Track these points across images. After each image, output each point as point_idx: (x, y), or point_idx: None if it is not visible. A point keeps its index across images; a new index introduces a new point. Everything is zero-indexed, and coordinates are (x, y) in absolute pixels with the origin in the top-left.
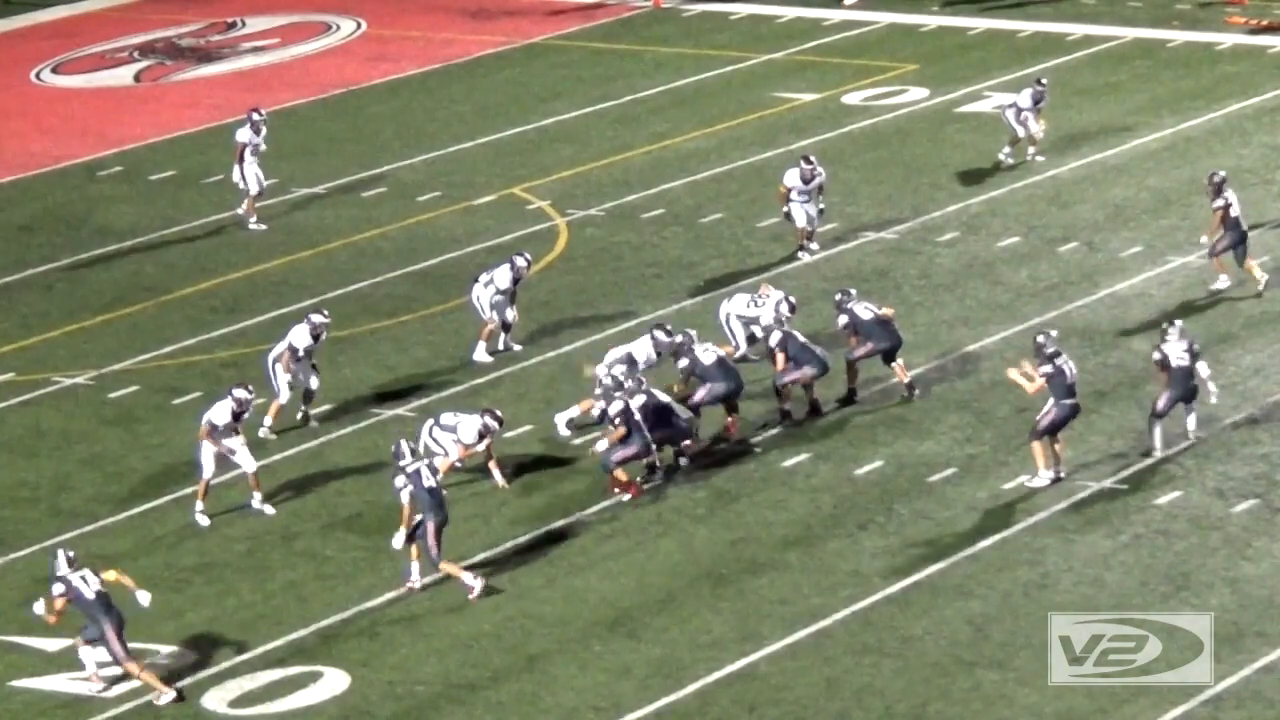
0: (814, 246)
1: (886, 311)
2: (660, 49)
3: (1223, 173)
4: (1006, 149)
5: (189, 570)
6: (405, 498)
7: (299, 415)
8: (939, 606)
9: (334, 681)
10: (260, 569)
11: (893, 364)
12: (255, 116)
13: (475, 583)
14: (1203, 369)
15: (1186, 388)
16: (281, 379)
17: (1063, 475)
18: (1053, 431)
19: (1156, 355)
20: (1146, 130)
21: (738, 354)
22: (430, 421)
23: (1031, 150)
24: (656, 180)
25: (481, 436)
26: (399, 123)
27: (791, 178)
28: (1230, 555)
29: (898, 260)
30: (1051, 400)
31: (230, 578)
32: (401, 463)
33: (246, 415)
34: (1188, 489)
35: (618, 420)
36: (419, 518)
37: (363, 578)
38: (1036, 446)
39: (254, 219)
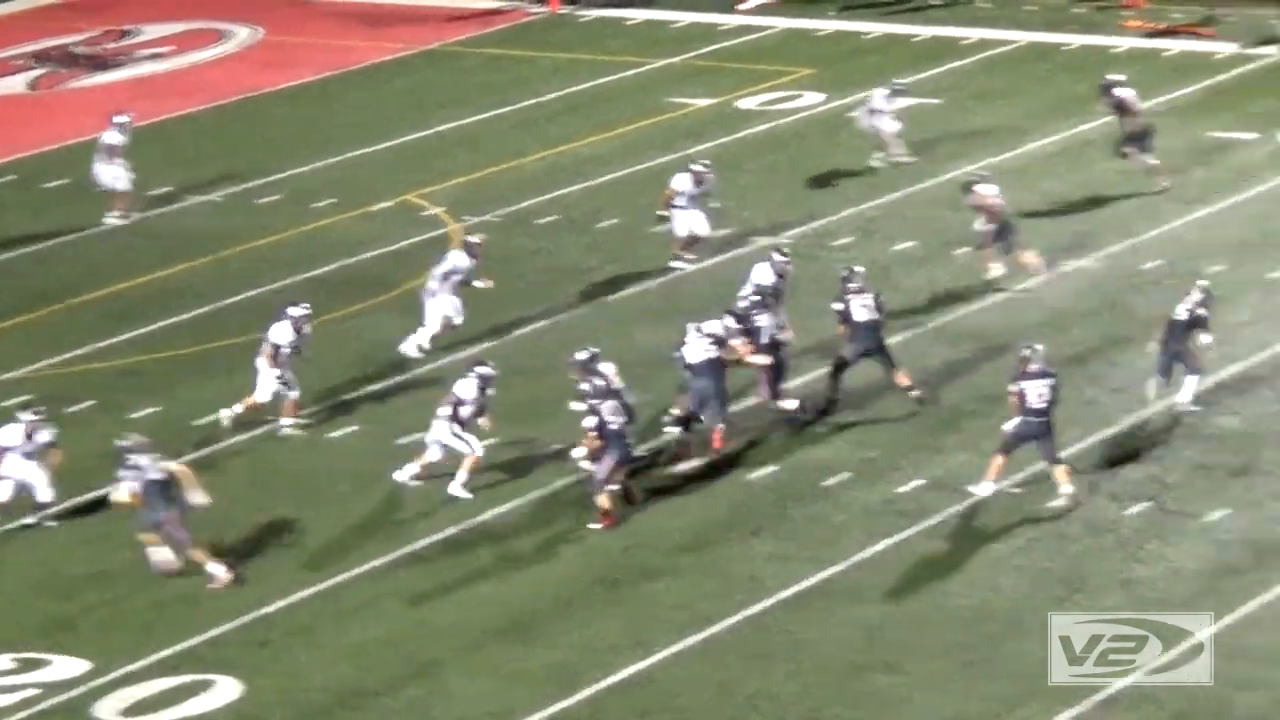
0: (690, 257)
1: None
2: (557, 54)
3: (982, 173)
4: (877, 154)
5: (80, 579)
6: (129, 488)
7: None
8: (832, 610)
9: (227, 689)
10: (152, 577)
11: (894, 372)
12: (120, 119)
13: (220, 570)
14: (1205, 339)
15: (1183, 345)
16: (266, 376)
17: (1066, 500)
18: (1013, 446)
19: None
20: (1042, 134)
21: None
22: (443, 424)
23: (897, 154)
24: (553, 185)
25: (482, 387)
26: (296, 129)
27: (681, 182)
28: (1124, 558)
29: (793, 265)
30: (1020, 417)
31: (122, 586)
32: (128, 459)
33: (43, 439)
34: (1081, 493)
35: (593, 433)
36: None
37: (255, 585)
38: (996, 458)
39: (119, 214)
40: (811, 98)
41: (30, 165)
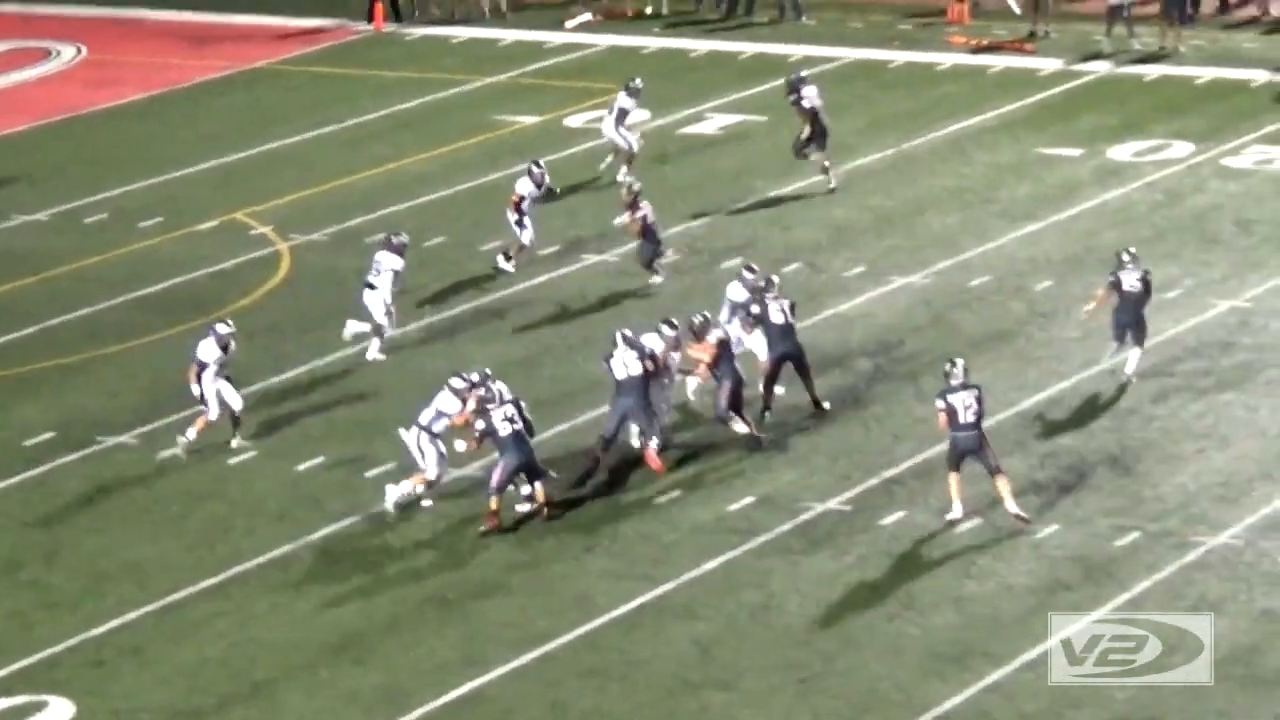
0: (511, 267)
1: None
2: (384, 73)
3: (637, 186)
4: (609, 160)
5: None
6: None
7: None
8: (665, 628)
9: (59, 710)
10: None
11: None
12: None
13: None
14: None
15: (1135, 315)
16: (209, 392)
17: (1020, 515)
18: (957, 461)
19: (1110, 278)
20: (868, 150)
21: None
22: (415, 430)
23: (608, 161)
24: (380, 204)
25: (461, 396)
26: (121, 149)
27: (524, 185)
28: (955, 574)
29: (620, 282)
30: (950, 432)
31: None
32: None
33: None
34: (912, 509)
35: (480, 437)
36: None
37: (87, 605)
38: (950, 479)
39: None
40: (638, 115)
41: None
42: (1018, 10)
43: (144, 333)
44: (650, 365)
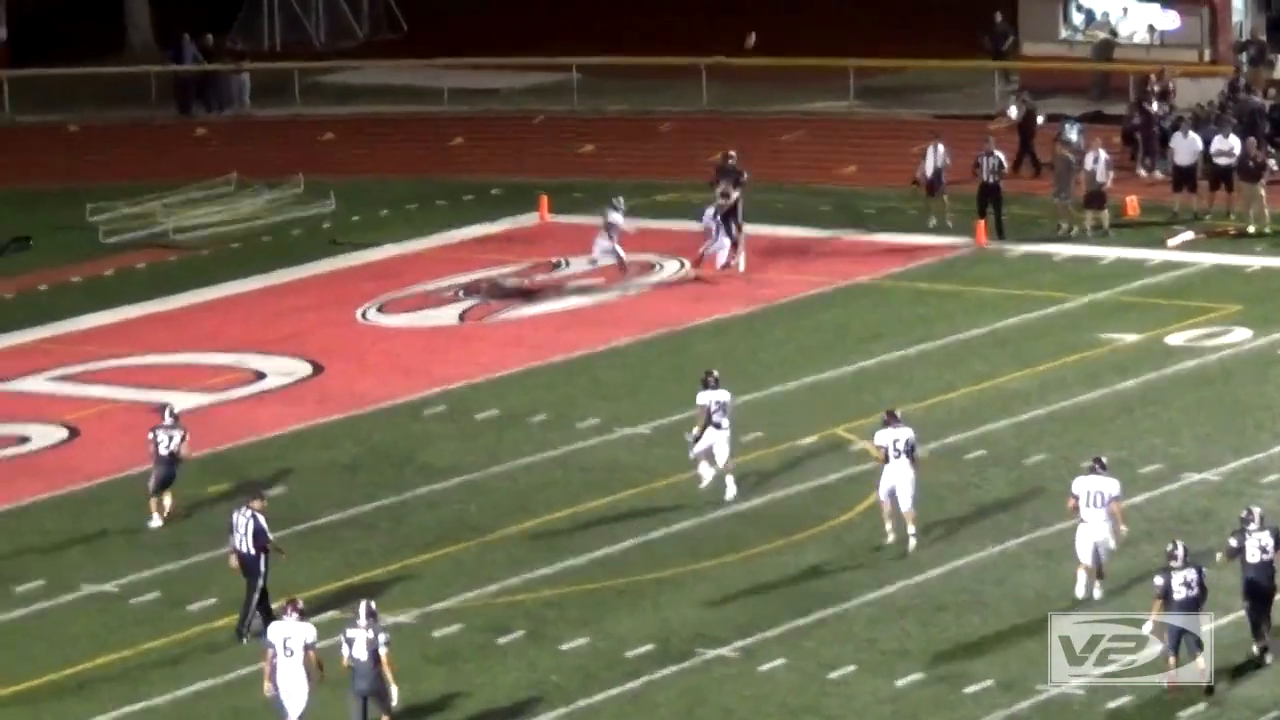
0: None
1: None
2: (984, 289)
3: None
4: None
5: None
6: None
7: None
8: None
9: None
10: None
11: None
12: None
13: None
14: None
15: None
16: None
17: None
18: None
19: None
20: None
21: None
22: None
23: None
24: (978, 420)
25: None
26: (722, 361)
27: None
28: None
29: (1220, 502)
30: None
31: None
32: None
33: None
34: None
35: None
36: None
37: None
38: None
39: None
40: (1239, 334)
41: (459, 396)
42: None
43: (743, 546)
44: None
